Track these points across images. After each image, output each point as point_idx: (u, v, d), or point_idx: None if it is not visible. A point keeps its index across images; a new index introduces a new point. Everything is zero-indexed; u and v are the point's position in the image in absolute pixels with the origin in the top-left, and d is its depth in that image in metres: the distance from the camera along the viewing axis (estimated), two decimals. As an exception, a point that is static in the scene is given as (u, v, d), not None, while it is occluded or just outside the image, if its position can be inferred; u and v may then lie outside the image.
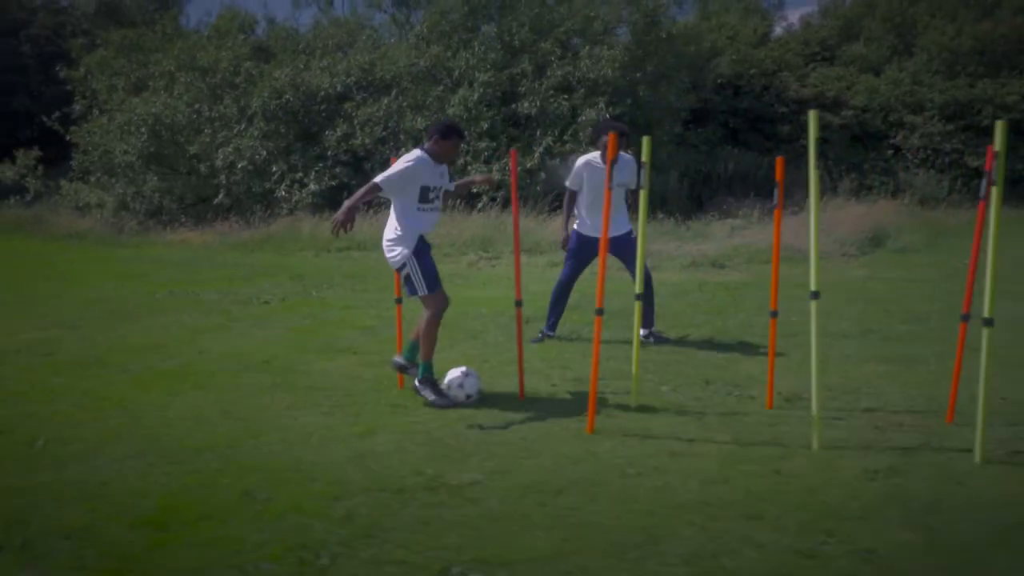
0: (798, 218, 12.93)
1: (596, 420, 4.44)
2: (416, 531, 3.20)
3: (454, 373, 4.95)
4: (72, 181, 17.90)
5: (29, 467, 3.89)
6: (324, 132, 15.87)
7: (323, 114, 16.07)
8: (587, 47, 16.30)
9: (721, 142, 20.58)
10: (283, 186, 15.45)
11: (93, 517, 3.30)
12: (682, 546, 3.07)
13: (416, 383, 5.01)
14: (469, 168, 15.00)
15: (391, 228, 5.00)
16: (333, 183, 15.41)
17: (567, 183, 6.56)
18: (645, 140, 4.82)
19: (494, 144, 15.25)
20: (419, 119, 15.46)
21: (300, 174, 15.50)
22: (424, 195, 4.97)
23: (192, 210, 16.58)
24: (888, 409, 4.80)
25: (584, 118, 15.32)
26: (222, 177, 15.85)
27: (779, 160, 4.89)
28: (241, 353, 6.26)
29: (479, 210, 14.48)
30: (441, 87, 15.97)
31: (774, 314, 4.74)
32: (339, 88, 16.17)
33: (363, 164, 15.68)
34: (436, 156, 5.01)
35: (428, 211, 5.03)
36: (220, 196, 15.97)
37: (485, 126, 15.30)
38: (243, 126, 15.96)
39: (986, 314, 3.88)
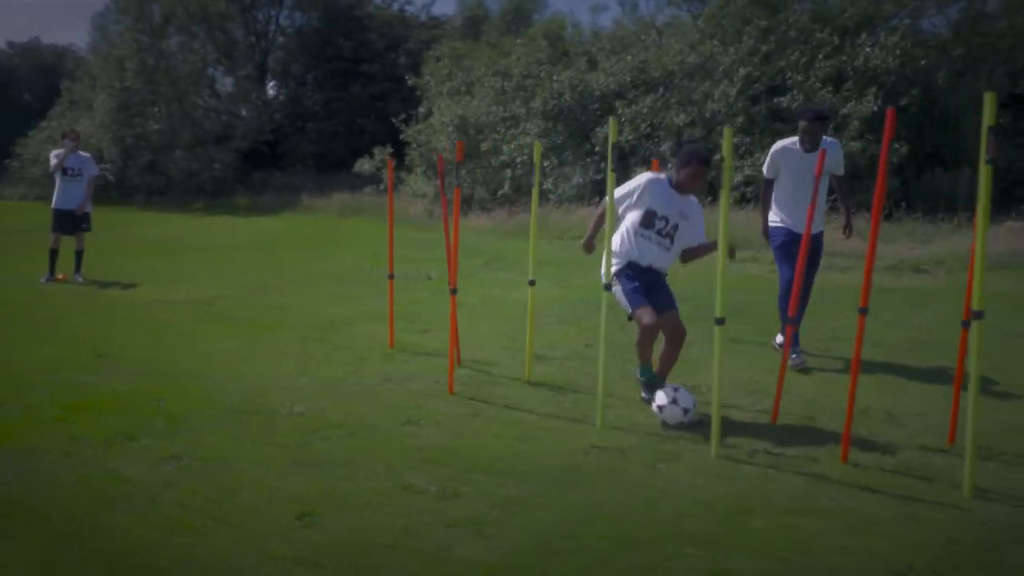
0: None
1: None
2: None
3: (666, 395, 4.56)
4: (410, 173, 21.08)
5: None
6: (595, 129, 16.94)
7: (597, 112, 17.14)
8: (864, 35, 15.36)
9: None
10: (550, 180, 16.84)
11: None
12: None
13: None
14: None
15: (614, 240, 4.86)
16: (598, 176, 16.45)
17: (764, 171, 6.12)
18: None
19: (747, 139, 15.13)
20: (682, 115, 15.86)
21: (568, 168, 16.77)
22: (647, 220, 4.72)
23: (488, 201, 18.70)
24: None
25: (845, 110, 14.56)
26: (507, 171, 17.71)
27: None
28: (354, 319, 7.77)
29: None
30: (707, 83, 16.16)
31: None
32: (614, 87, 17.11)
33: (628, 159, 16.48)
34: (678, 185, 4.78)
35: (647, 239, 4.77)
36: (506, 187, 17.85)
37: (740, 121, 15.23)
38: (527, 124, 17.64)
39: (975, 306, 3.61)
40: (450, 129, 18.64)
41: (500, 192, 17.88)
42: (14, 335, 6.93)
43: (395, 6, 30.37)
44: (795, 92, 15.12)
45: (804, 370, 5.74)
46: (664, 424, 4.56)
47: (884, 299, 8.12)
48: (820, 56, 15.29)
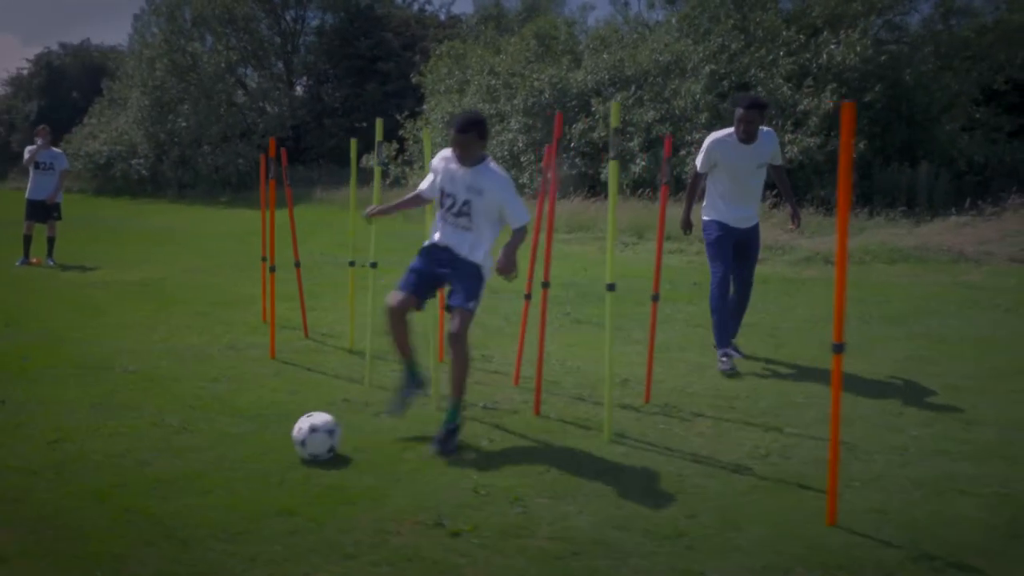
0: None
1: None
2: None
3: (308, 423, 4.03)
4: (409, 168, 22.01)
5: None
6: (572, 126, 17.59)
7: (574, 109, 17.79)
8: (825, 33, 15.74)
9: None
10: (527, 174, 17.56)
11: None
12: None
13: None
14: (687, 158, 15.63)
15: None
16: (572, 172, 17.10)
17: (696, 163, 5.79)
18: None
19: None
20: (651, 112, 16.42)
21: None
22: (441, 199, 4.45)
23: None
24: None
25: (802, 107, 14.98)
26: (491, 165, 18.49)
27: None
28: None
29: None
30: (677, 80, 16.68)
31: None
32: (591, 85, 17.73)
33: (601, 154, 17.10)
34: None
35: (444, 220, 4.45)
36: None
37: (704, 117, 15.74)
38: (510, 121, 18.39)
39: (608, 279, 4.36)
40: (440, 126, 19.49)
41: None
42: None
43: (415, 6, 31.35)
44: (758, 89, 15.56)
45: (733, 375, 5.64)
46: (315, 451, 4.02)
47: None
48: (782, 54, 15.69)
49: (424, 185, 4.63)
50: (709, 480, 3.81)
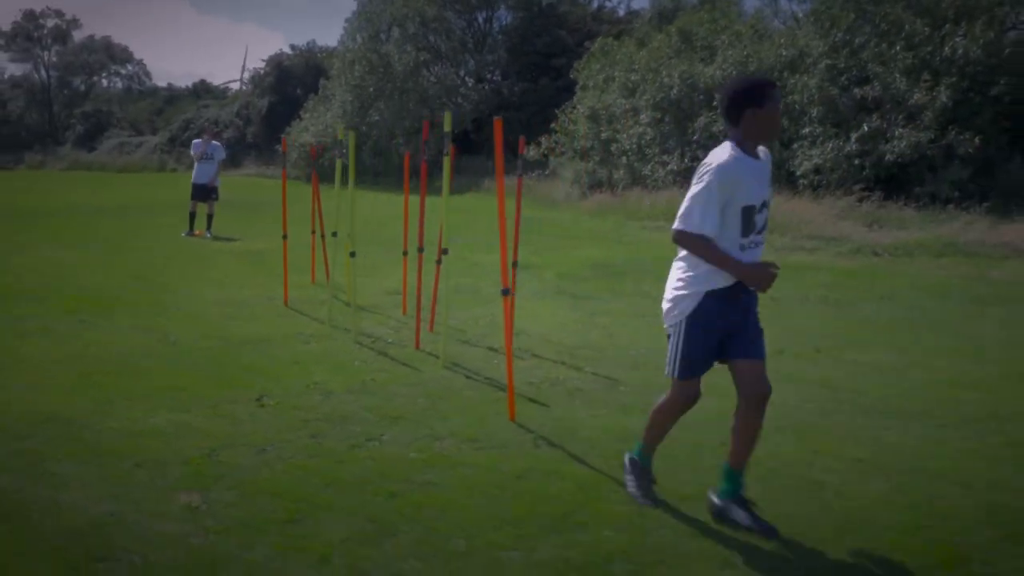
0: None
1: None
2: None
3: None
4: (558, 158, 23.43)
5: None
6: (697, 119, 18.29)
7: (702, 102, 18.46)
8: (948, 26, 15.47)
9: None
10: (649, 166, 18.49)
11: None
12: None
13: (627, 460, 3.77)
14: (799, 151, 15.97)
15: (678, 268, 3.49)
16: (692, 164, 17.85)
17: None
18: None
19: (820, 129, 15.88)
20: (768, 106, 16.84)
21: (667, 156, 18.33)
22: (748, 220, 3.30)
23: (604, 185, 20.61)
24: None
25: (913, 100, 14.94)
26: (623, 158, 19.58)
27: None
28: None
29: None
30: (795, 76, 16.95)
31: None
32: (719, 79, 18.31)
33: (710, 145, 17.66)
34: (754, 137, 3.34)
35: (752, 248, 3.37)
36: (621, 172, 19.70)
37: (815, 112, 16.00)
38: (642, 115, 19.36)
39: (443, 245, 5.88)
40: (586, 118, 20.79)
41: (614, 177, 19.76)
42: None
43: (595, 3, 32.63)
44: (874, 84, 15.60)
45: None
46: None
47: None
48: (898, 47, 15.59)
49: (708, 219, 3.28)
50: (488, 392, 5.09)
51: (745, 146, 3.35)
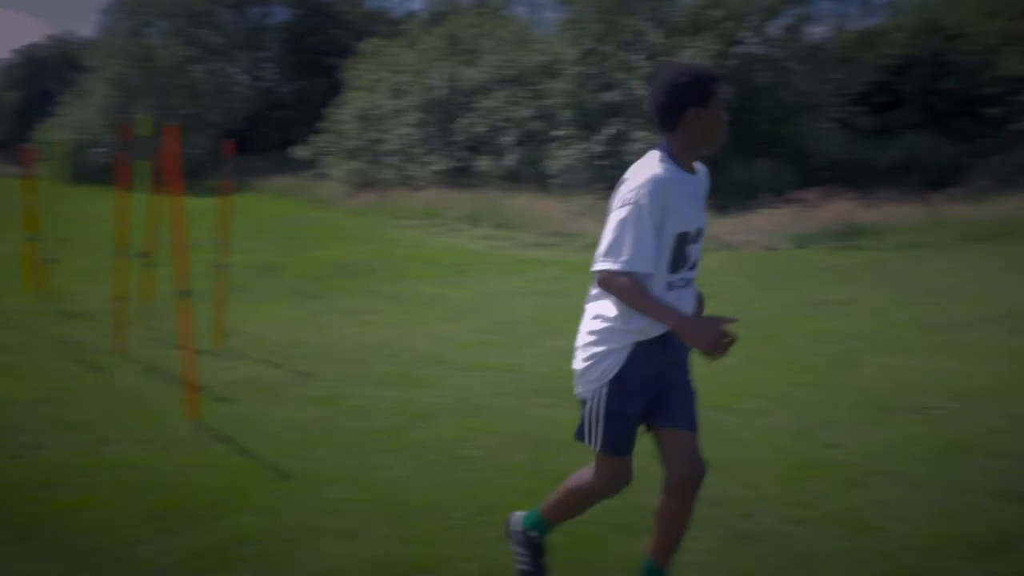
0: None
1: None
2: None
3: None
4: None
5: None
6: (460, 119, 18.86)
7: (465, 104, 19.04)
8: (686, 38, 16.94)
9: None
10: (414, 166, 18.88)
11: None
12: None
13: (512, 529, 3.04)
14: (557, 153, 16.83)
15: (593, 317, 2.73)
16: (456, 164, 18.41)
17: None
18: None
19: (572, 131, 16.89)
20: (522, 109, 17.71)
21: (431, 156, 18.79)
22: (680, 251, 2.64)
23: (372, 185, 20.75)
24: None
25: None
26: (390, 158, 19.86)
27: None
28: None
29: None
30: (550, 81, 17.92)
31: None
32: (481, 82, 18.97)
33: (480, 148, 18.34)
34: (695, 145, 2.68)
35: (681, 287, 2.69)
36: (392, 173, 19.94)
37: (570, 113, 17.00)
38: (407, 116, 19.71)
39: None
40: (354, 118, 20.84)
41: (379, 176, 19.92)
42: None
43: (366, 3, 32.73)
44: (617, 89, 16.77)
45: None
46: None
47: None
48: (638, 57, 16.85)
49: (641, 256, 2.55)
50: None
51: (680, 159, 2.64)
